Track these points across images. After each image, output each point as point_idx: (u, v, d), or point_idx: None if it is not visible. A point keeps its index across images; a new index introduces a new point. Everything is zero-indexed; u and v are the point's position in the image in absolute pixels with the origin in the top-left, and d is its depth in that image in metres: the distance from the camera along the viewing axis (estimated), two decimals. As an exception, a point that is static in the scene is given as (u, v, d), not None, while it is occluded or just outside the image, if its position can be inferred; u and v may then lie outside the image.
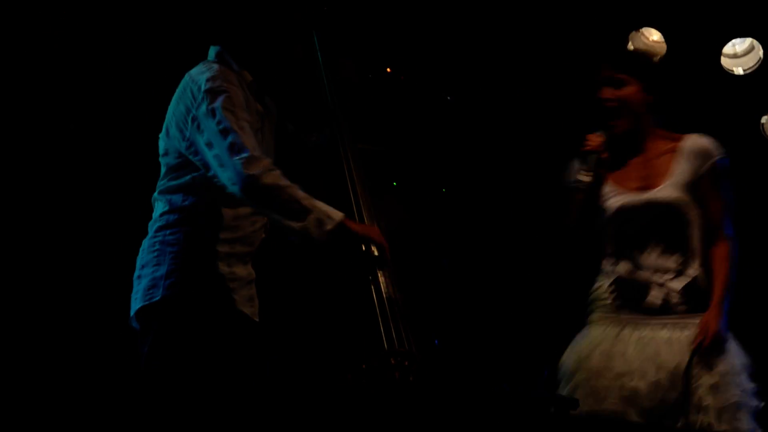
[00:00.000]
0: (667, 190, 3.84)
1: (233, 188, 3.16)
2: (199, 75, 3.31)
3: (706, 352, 3.68)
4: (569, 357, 3.91)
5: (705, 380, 3.68)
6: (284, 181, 3.17)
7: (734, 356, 3.74)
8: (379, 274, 3.37)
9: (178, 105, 3.33)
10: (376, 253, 3.36)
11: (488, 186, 6.11)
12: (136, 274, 3.36)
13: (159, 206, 3.39)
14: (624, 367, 3.75)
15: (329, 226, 3.17)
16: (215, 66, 3.34)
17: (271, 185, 3.13)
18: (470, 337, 5.60)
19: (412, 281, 3.47)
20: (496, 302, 5.97)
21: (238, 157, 3.13)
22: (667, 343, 3.74)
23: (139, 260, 3.37)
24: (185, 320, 3.22)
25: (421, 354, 3.32)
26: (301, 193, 3.19)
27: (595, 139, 3.84)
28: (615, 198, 3.90)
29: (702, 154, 3.85)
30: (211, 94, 3.23)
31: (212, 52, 3.47)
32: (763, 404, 3.76)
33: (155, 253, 3.31)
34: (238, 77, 3.37)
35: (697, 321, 3.74)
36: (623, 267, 3.85)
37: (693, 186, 3.83)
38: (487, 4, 5.62)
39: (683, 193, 3.82)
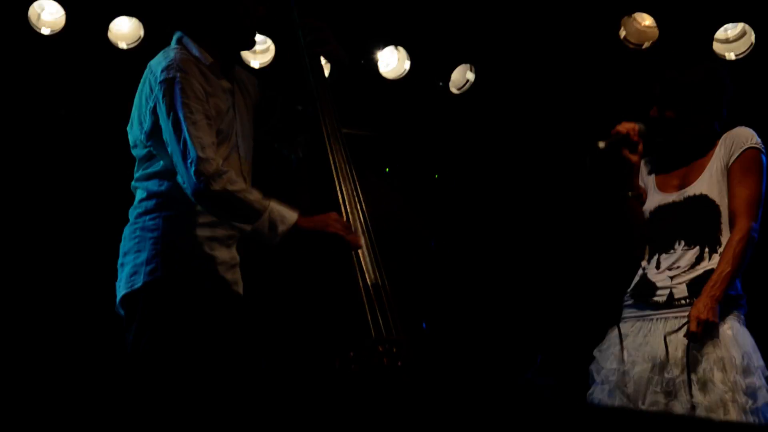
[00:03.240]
0: (700, 184, 3.82)
1: (186, 190, 3.19)
2: (157, 65, 3.29)
3: (698, 344, 3.66)
4: (597, 360, 3.91)
5: (694, 375, 3.67)
6: (235, 185, 3.16)
7: (728, 348, 3.68)
8: (363, 260, 3.35)
9: (140, 96, 3.33)
10: (335, 243, 3.34)
11: (478, 171, 6.11)
12: (119, 261, 3.38)
13: (138, 194, 3.40)
14: (625, 363, 3.75)
15: (282, 228, 3.18)
16: (172, 53, 3.31)
17: (220, 191, 3.14)
18: (459, 322, 5.61)
19: (400, 265, 3.46)
20: (486, 288, 5.98)
21: (189, 160, 3.13)
22: (663, 336, 3.73)
23: (122, 247, 3.38)
24: (167, 305, 3.24)
25: (409, 340, 3.31)
26: (252, 196, 3.19)
27: (625, 125, 3.84)
28: (654, 200, 3.90)
29: (736, 142, 3.81)
30: (166, 85, 3.22)
31: (174, 38, 3.44)
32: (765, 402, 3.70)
33: (136, 240, 3.32)
34: (196, 61, 3.34)
35: None
36: (647, 268, 3.86)
37: (725, 173, 3.80)
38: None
39: (715, 185, 3.78)
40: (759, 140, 3.82)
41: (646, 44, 5.51)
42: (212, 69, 3.37)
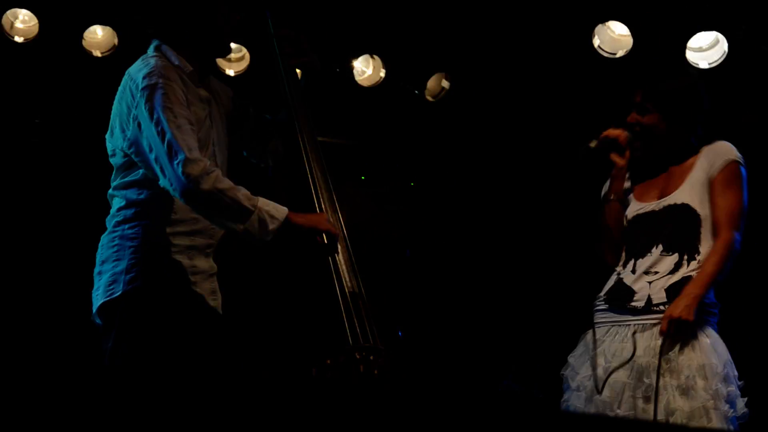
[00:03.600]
0: (680, 193, 3.84)
1: (174, 193, 3.16)
2: (137, 72, 3.28)
3: (674, 348, 3.67)
4: (572, 365, 3.91)
5: (673, 381, 3.68)
6: (223, 184, 3.15)
7: (707, 356, 3.70)
8: (340, 268, 3.35)
9: (120, 104, 3.31)
10: (326, 241, 3.33)
11: (454, 178, 6.13)
12: (96, 270, 3.35)
13: (115, 202, 3.38)
14: (602, 369, 3.76)
15: (273, 226, 3.17)
16: (152, 61, 3.30)
17: (209, 190, 3.12)
18: (436, 329, 5.62)
19: (376, 273, 3.46)
20: (463, 294, 5.99)
21: (176, 161, 3.11)
22: (642, 342, 3.74)
23: (99, 256, 3.36)
24: (147, 315, 3.22)
25: (386, 348, 3.31)
26: (241, 194, 3.17)
27: (613, 131, 3.88)
28: (632, 209, 3.92)
29: (718, 155, 3.84)
30: (149, 91, 3.20)
31: (151, 46, 3.43)
32: (745, 409, 3.72)
33: (115, 248, 3.30)
34: (176, 69, 3.33)
35: None
36: (623, 273, 3.87)
37: (707, 185, 3.83)
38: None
39: (696, 196, 3.81)
40: (739, 154, 3.85)
41: (620, 53, 5.54)
42: (191, 77, 3.37)
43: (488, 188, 6.08)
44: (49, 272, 5.43)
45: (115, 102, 3.35)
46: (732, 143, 3.92)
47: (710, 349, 3.70)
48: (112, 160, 3.39)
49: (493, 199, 6.08)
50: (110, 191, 3.40)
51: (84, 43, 5.31)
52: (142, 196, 3.31)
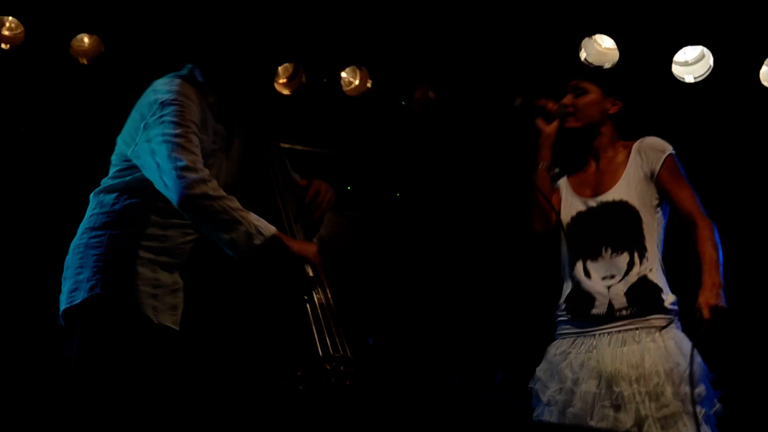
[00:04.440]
0: (617, 190, 3.87)
1: (169, 196, 3.20)
2: (161, 86, 3.35)
3: (639, 354, 3.68)
4: (540, 378, 3.92)
5: (642, 388, 3.68)
6: (217, 192, 3.19)
7: (674, 359, 3.71)
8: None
9: (136, 112, 3.38)
10: (310, 273, 3.38)
11: (439, 189, 6.14)
12: (63, 274, 3.40)
13: (91, 205, 3.43)
14: (570, 381, 3.77)
15: (258, 241, 3.19)
16: (178, 81, 3.38)
17: (202, 194, 3.16)
18: (417, 341, 5.62)
19: (346, 284, 3.47)
20: (448, 303, 5.99)
21: (175, 165, 3.16)
22: (608, 351, 3.75)
23: (66, 261, 3.41)
24: (106, 325, 3.25)
25: (357, 358, 3.32)
26: (233, 205, 3.20)
27: (546, 101, 3.91)
28: (570, 206, 3.93)
29: (653, 150, 3.89)
30: (166, 105, 3.28)
31: (186, 68, 3.51)
32: (718, 407, 3.73)
33: (79, 256, 3.34)
34: (199, 96, 3.39)
35: (645, 324, 3.75)
36: (577, 277, 3.87)
37: (648, 182, 3.85)
38: (438, 8, 5.63)
39: (635, 192, 3.85)
40: (670, 146, 3.89)
41: (607, 66, 5.56)
42: (212, 108, 3.42)
43: (472, 197, 6.09)
44: (32, 279, 5.42)
45: (135, 107, 3.41)
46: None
47: (676, 351, 3.72)
48: (112, 158, 3.46)
49: (477, 207, 6.08)
50: (98, 189, 3.45)
51: (71, 50, 5.30)
52: (116, 206, 3.36)
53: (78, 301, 3.29)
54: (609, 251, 3.83)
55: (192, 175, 3.16)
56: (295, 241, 3.37)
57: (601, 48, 5.58)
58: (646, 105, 4.03)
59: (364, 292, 3.60)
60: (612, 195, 3.88)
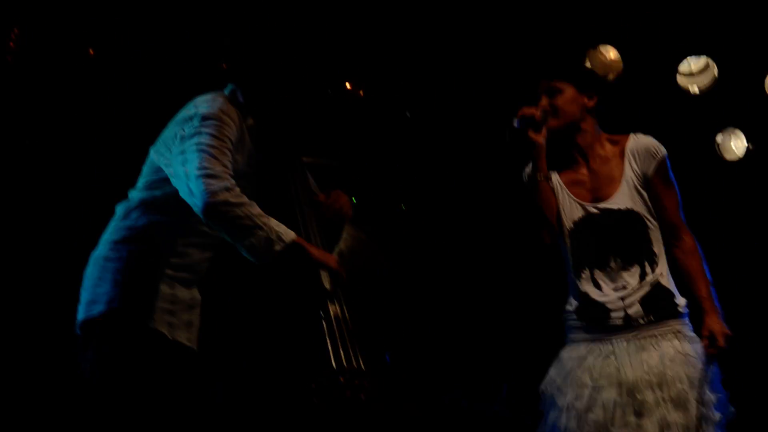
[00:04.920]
0: (620, 198, 3.84)
1: (191, 201, 3.20)
2: (203, 102, 3.38)
3: (670, 363, 3.68)
4: (554, 381, 3.90)
5: (665, 394, 3.68)
6: (239, 199, 3.19)
7: (694, 365, 3.71)
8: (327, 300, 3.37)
9: (175, 124, 3.39)
10: (328, 283, 3.37)
11: (445, 201, 6.14)
12: (82, 285, 3.39)
13: (118, 215, 3.43)
14: (589, 388, 3.75)
15: (278, 247, 3.19)
16: (221, 99, 3.40)
17: (224, 201, 3.16)
18: (425, 354, 5.61)
19: (363, 299, 3.47)
20: (453, 319, 5.99)
21: (203, 173, 3.17)
22: (627, 358, 3.74)
23: (85, 273, 3.40)
24: (121, 340, 3.24)
25: (372, 371, 3.31)
26: (255, 211, 3.20)
27: (528, 108, 3.88)
28: (571, 208, 3.91)
29: (648, 152, 3.85)
30: (205, 119, 3.30)
31: (228, 88, 3.54)
32: (732, 410, 3.74)
33: (98, 268, 3.34)
34: (240, 117, 3.42)
35: (662, 329, 3.74)
36: (586, 287, 3.85)
37: (644, 187, 3.85)
38: (446, 21, 5.63)
39: (637, 197, 3.83)
40: (662, 146, 3.89)
41: (611, 76, 5.56)
42: (250, 130, 3.45)
43: (481, 207, 6.09)
44: (37, 299, 5.43)
45: (172, 121, 3.43)
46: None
47: (695, 355, 3.71)
48: (144, 168, 3.47)
49: (485, 217, 6.09)
50: (120, 203, 3.46)
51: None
52: (139, 222, 3.36)
53: (95, 313, 3.28)
54: (619, 262, 3.80)
55: (216, 182, 3.16)
56: (315, 248, 3.37)
57: (606, 59, 5.58)
58: (614, 96, 3.99)
59: (381, 307, 3.59)
60: (615, 203, 3.85)
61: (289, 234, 3.22)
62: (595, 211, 3.84)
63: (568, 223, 3.88)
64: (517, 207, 4.19)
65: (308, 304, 3.36)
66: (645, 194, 3.81)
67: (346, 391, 3.23)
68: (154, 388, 3.21)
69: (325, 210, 3.62)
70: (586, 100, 3.87)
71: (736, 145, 5.78)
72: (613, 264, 3.79)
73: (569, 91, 3.87)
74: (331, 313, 3.34)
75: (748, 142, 5.78)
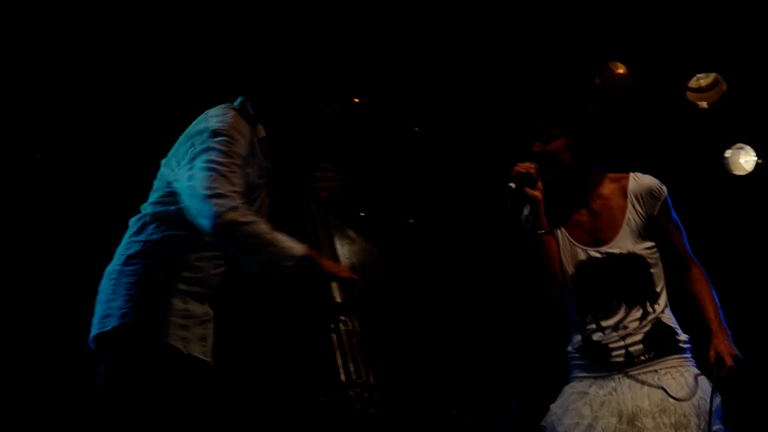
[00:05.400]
0: (622, 241, 3.83)
1: (200, 222, 3.18)
2: (213, 117, 3.37)
3: (672, 391, 3.68)
4: (554, 413, 3.90)
5: (667, 419, 3.67)
6: (247, 218, 3.17)
7: (699, 394, 3.70)
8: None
9: (187, 138, 3.39)
10: (338, 298, 3.37)
11: (454, 215, 6.14)
12: (96, 299, 3.38)
13: (131, 230, 3.42)
14: (588, 418, 3.76)
15: (289, 263, 3.18)
16: (231, 113, 3.39)
17: (232, 221, 3.14)
18: (435, 368, 5.61)
19: (374, 312, 3.47)
20: (461, 332, 5.98)
21: (211, 193, 3.16)
22: (629, 391, 3.74)
23: (100, 286, 3.39)
24: (134, 354, 3.23)
25: (382, 385, 3.30)
26: (262, 228, 3.18)
27: (522, 165, 3.86)
28: (572, 253, 3.90)
29: (650, 195, 3.83)
30: (215, 134, 3.29)
31: (238, 100, 3.53)
32: None
33: (113, 282, 3.33)
34: (250, 129, 3.42)
35: (663, 365, 3.75)
36: (587, 329, 3.86)
37: (647, 228, 3.84)
38: (455, 35, 5.65)
39: (638, 240, 3.82)
40: (663, 185, 3.88)
41: (620, 91, 5.57)
42: (261, 143, 3.45)
43: (481, 222, 6.10)
44: (47, 307, 5.44)
45: (183, 135, 3.42)
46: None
47: (696, 386, 3.70)
48: (155, 183, 3.47)
49: (486, 232, 6.09)
50: (134, 218, 3.45)
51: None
52: (153, 236, 3.35)
53: (109, 327, 3.26)
54: (622, 306, 3.81)
55: (223, 202, 3.14)
56: (326, 260, 3.35)
57: (615, 74, 5.59)
58: (613, 131, 3.96)
59: (392, 321, 3.59)
60: (617, 246, 3.84)
61: (299, 248, 3.20)
62: (597, 255, 3.84)
63: (569, 268, 3.88)
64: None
65: (319, 317, 3.35)
66: (646, 235, 3.82)
67: (356, 405, 3.23)
68: (168, 402, 3.20)
69: (321, 184, 3.62)
70: (580, 148, 3.86)
71: (745, 159, 5.78)
72: (614, 307, 3.80)
73: (563, 139, 3.86)
74: (342, 326, 3.33)
75: (757, 156, 5.78)
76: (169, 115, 4.86)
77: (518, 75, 5.72)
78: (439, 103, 5.84)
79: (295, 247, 3.20)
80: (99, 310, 3.33)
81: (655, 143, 5.74)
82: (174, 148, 3.42)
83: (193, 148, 3.30)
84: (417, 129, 5.72)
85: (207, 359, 3.31)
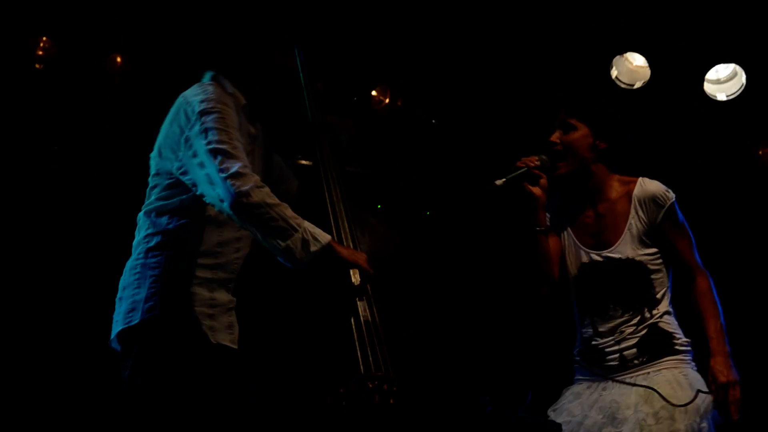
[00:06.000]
0: (623, 247, 3.81)
1: (221, 205, 3.15)
2: (194, 97, 3.31)
3: (662, 387, 3.66)
4: (549, 414, 3.92)
5: (649, 409, 3.65)
6: (273, 199, 3.15)
7: (687, 391, 3.67)
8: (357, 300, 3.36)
9: (172, 126, 3.33)
10: (357, 282, 3.35)
11: (472, 205, 6.12)
12: (118, 295, 3.35)
13: (144, 226, 3.38)
14: (578, 416, 3.77)
15: (314, 248, 3.16)
16: (210, 88, 3.35)
17: (259, 202, 3.12)
18: (452, 360, 5.60)
19: (393, 303, 3.46)
20: (478, 324, 5.98)
21: (227, 175, 3.12)
22: (617, 391, 3.74)
23: (121, 282, 3.36)
24: (164, 345, 3.21)
25: (400, 377, 3.29)
26: (289, 212, 3.17)
27: (524, 159, 3.83)
28: (576, 254, 3.89)
29: (654, 202, 3.80)
30: (205, 114, 3.24)
31: (207, 76, 3.48)
32: None
33: (136, 276, 3.30)
34: (232, 99, 3.38)
35: (657, 367, 3.74)
36: (586, 331, 3.86)
37: (650, 235, 3.81)
38: (473, 29, 5.64)
39: (639, 246, 3.80)
40: (670, 191, 3.83)
41: (638, 84, 5.55)
42: (243, 110, 3.43)
43: (499, 213, 6.08)
44: (65, 299, 5.46)
45: (166, 123, 3.38)
46: (750, 173, 3.92)
47: (686, 384, 3.69)
48: (152, 180, 3.42)
49: (505, 223, 6.07)
50: (141, 214, 3.41)
51: (104, 69, 5.37)
52: (170, 226, 3.32)
53: (136, 321, 3.24)
54: (619, 312, 3.80)
55: (245, 183, 3.12)
56: (345, 247, 3.35)
57: (633, 66, 5.57)
58: (633, 137, 3.93)
59: (410, 308, 3.59)
60: (618, 251, 3.82)
61: (324, 236, 3.20)
62: (598, 258, 3.83)
63: (573, 269, 3.87)
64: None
65: (339, 307, 3.35)
66: (649, 241, 3.79)
67: (375, 396, 3.23)
68: (199, 393, 3.19)
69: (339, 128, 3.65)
70: (598, 142, 3.83)
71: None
72: (612, 312, 3.80)
73: (583, 130, 3.83)
74: (361, 317, 3.32)
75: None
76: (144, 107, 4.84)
77: (536, 68, 5.70)
78: (456, 96, 5.83)
79: (320, 234, 3.19)
80: (123, 305, 3.30)
81: (672, 135, 5.72)
82: (160, 139, 3.38)
83: (185, 135, 3.25)
84: (434, 121, 5.72)
85: (235, 346, 3.32)
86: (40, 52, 5.34)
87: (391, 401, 3.25)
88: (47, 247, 5.57)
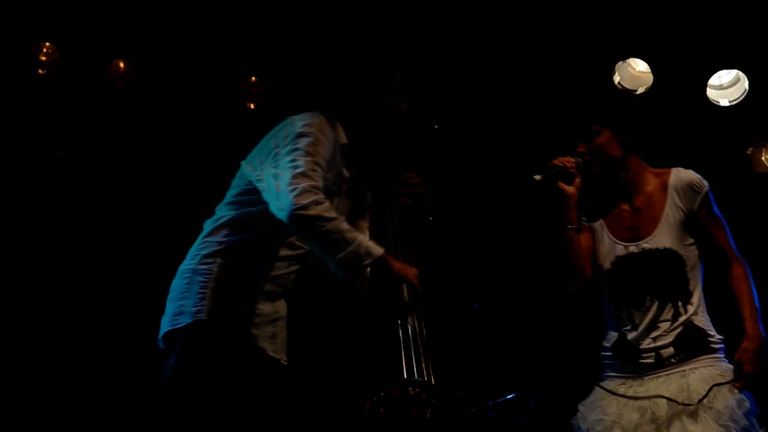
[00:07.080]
0: (659, 237, 3.82)
1: (280, 214, 3.25)
2: (299, 120, 3.45)
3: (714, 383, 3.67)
4: (581, 411, 3.91)
5: (686, 409, 3.66)
6: (330, 213, 3.24)
7: (724, 389, 3.69)
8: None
9: (270, 140, 3.47)
10: (407, 298, 3.44)
11: (478, 211, 6.13)
12: (168, 297, 3.45)
13: (207, 230, 3.49)
14: (612, 414, 3.76)
15: (367, 261, 3.26)
16: (317, 117, 3.48)
17: (315, 216, 3.21)
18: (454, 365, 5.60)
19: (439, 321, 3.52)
20: (481, 329, 5.97)
21: (293, 188, 3.22)
22: (654, 390, 3.74)
23: (173, 284, 3.46)
24: (206, 350, 3.30)
25: (441, 390, 3.35)
26: (344, 226, 3.26)
27: (561, 159, 3.86)
28: (610, 249, 3.89)
29: (692, 189, 3.82)
30: (301, 137, 3.37)
31: (321, 110, 3.59)
32: None
33: (186, 281, 3.40)
34: (334, 134, 3.48)
35: (692, 365, 3.74)
36: (621, 325, 3.86)
37: (688, 224, 3.82)
38: (475, 34, 5.65)
39: (676, 235, 3.80)
40: (704, 180, 3.87)
41: (640, 89, 5.55)
42: (342, 149, 3.52)
43: (505, 219, 6.09)
44: (65, 300, 5.48)
45: (267, 137, 3.51)
46: (753, 179, 3.92)
47: (722, 378, 3.69)
48: (234, 181, 3.55)
49: (511, 229, 6.08)
50: (215, 216, 3.52)
51: (107, 73, 5.39)
52: (229, 238, 3.43)
53: (182, 324, 3.34)
54: (655, 303, 3.80)
55: (306, 197, 3.21)
56: (397, 261, 3.45)
57: (635, 71, 5.57)
58: (652, 127, 3.94)
59: (457, 328, 3.64)
60: (654, 242, 3.82)
61: (377, 249, 3.29)
62: (634, 250, 3.83)
63: (606, 263, 3.87)
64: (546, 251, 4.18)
65: (388, 311, 3.45)
66: (686, 231, 3.80)
67: (413, 407, 3.30)
68: (236, 397, 3.28)
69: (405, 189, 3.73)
70: (624, 136, 3.85)
71: (766, 157, 5.75)
72: (648, 303, 3.79)
73: (606, 132, 3.85)
74: (409, 326, 3.43)
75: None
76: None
77: (539, 74, 5.71)
78: (460, 102, 5.84)
79: (373, 247, 3.29)
80: (171, 307, 3.41)
81: (674, 141, 5.72)
82: (256, 149, 3.51)
83: (277, 149, 3.38)
84: (437, 126, 5.71)
85: (277, 357, 3.41)
86: (44, 58, 5.36)
87: (428, 414, 3.31)
88: (49, 251, 5.59)
